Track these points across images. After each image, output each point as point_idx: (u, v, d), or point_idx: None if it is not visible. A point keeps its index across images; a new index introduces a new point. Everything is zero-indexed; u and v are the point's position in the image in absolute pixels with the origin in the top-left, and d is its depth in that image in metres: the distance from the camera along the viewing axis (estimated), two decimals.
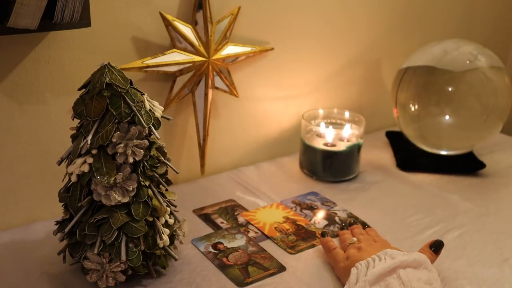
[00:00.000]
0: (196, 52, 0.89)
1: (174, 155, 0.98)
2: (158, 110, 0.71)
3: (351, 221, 0.86)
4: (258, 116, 1.07)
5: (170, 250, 0.73)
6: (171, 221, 0.74)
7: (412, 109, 1.05)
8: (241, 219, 0.89)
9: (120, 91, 0.66)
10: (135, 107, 0.66)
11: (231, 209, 0.92)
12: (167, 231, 0.72)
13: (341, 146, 1.01)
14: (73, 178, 0.67)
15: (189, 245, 0.81)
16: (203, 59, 0.89)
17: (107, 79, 0.65)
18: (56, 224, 0.72)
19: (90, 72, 0.68)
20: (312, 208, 0.93)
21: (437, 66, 1.02)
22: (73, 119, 0.69)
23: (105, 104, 0.66)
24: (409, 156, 1.11)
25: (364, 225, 0.86)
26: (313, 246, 0.82)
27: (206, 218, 0.89)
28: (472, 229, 0.87)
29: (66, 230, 0.69)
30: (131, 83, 0.68)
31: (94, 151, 0.66)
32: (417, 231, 0.86)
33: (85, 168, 0.66)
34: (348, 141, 1.03)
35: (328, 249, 0.78)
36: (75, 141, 0.69)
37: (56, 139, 0.84)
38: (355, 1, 1.11)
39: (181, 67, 0.88)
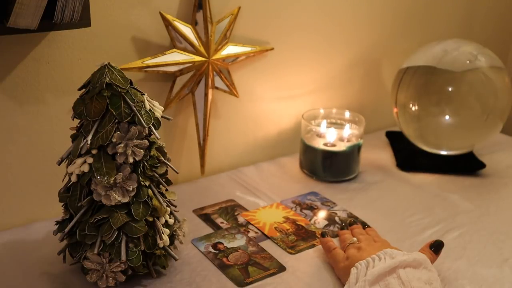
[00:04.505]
0: (196, 52, 0.89)
1: (174, 155, 0.98)
2: (158, 110, 0.71)
3: (351, 221, 0.86)
4: (258, 116, 1.07)
5: (170, 250, 0.73)
6: (171, 221, 0.74)
7: (412, 109, 1.05)
8: (241, 219, 0.89)
9: (120, 91, 0.66)
10: (135, 107, 0.66)
11: (231, 209, 0.92)
12: (167, 231, 0.72)
13: (341, 146, 1.01)
14: (73, 178, 0.67)
15: (189, 245, 0.81)
16: (203, 59, 0.89)
17: (107, 79, 0.65)
18: (56, 224, 0.72)
19: (90, 72, 0.68)
20: (312, 208, 0.93)
21: (437, 66, 1.02)
22: (73, 119, 0.69)
23: (105, 104, 0.66)
24: (409, 156, 1.11)
25: (364, 225, 0.86)
26: (313, 246, 0.82)
27: (206, 218, 0.89)
28: (472, 229, 0.87)
29: (66, 230, 0.70)
30: (131, 83, 0.68)
31: (94, 151, 0.66)
32: (417, 231, 0.86)
33: (85, 168, 0.66)
34: (348, 141, 1.03)
35: (328, 249, 0.78)
36: (75, 141, 0.69)
37: (56, 139, 0.84)
38: (358, 1, 1.11)
39: (181, 67, 0.88)
